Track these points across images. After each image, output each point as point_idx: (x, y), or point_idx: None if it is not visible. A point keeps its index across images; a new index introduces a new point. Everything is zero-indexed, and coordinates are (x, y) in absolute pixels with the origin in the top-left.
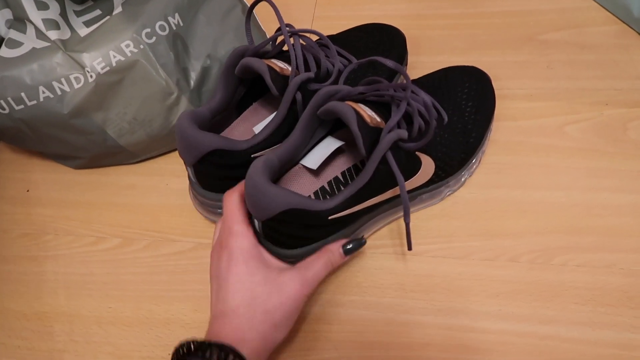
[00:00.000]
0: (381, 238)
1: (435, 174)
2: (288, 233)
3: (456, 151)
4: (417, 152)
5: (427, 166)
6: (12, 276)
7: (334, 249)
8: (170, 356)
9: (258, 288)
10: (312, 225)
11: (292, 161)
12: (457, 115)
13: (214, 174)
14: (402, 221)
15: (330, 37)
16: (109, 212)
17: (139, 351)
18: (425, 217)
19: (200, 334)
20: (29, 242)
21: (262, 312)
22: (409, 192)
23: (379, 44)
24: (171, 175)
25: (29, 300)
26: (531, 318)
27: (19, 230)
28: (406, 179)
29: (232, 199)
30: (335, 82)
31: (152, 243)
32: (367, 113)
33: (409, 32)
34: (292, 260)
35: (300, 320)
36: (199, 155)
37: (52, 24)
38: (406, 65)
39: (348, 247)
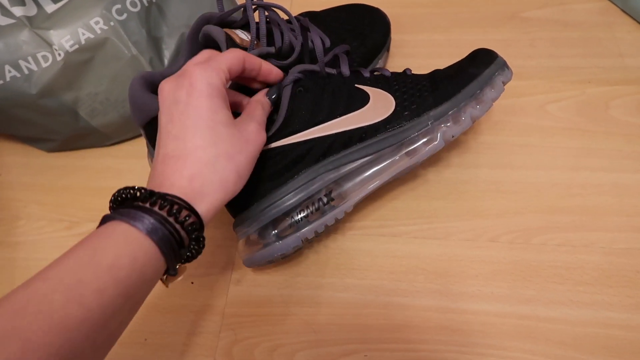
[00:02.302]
0: (361, 219)
1: (394, 114)
2: None
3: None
4: (369, 87)
5: (381, 103)
6: None
7: (261, 98)
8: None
9: (221, 128)
10: None
11: None
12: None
13: None
14: (384, 201)
15: (310, 13)
16: (84, 197)
17: None
18: (406, 198)
19: (177, 317)
20: (0, 227)
21: (225, 156)
22: (353, 131)
23: (357, 25)
24: (146, 156)
25: (1, 286)
26: (510, 298)
27: None
28: (340, 113)
29: (230, 52)
30: (299, 60)
31: None
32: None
33: (391, 11)
34: None
35: (278, 303)
36: (146, 118)
37: (17, 0)
38: (389, 46)
39: (272, 94)
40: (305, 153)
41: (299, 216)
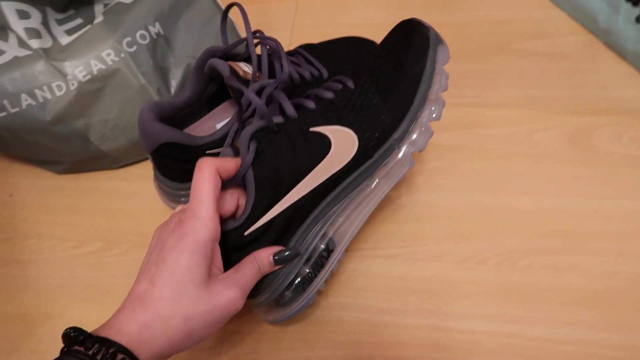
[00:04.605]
0: (356, 242)
1: (360, 150)
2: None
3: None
4: (323, 127)
5: (343, 141)
6: None
7: (263, 257)
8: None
9: (190, 287)
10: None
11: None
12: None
13: (170, 165)
14: (376, 225)
15: (309, 46)
16: (92, 217)
17: None
18: (399, 222)
19: None
20: (11, 246)
21: (183, 317)
22: (328, 180)
23: (355, 56)
24: (153, 180)
25: (11, 302)
26: (498, 318)
27: (1, 234)
28: (308, 167)
29: (205, 175)
30: (297, 90)
31: (133, 247)
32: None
33: None
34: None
35: None
36: (153, 145)
37: (34, 33)
38: None
39: (280, 256)
40: (291, 217)
41: (307, 272)
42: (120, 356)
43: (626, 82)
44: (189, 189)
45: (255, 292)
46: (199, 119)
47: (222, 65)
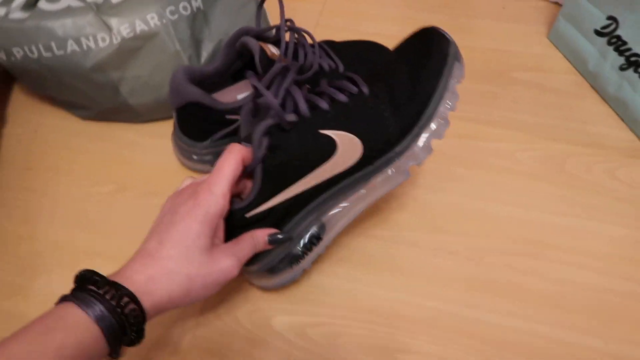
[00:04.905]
0: None
1: (363, 158)
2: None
3: (388, 126)
4: (333, 131)
5: (348, 147)
6: (11, 202)
7: (259, 237)
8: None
9: (196, 252)
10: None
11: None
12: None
13: (192, 122)
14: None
15: (329, 42)
16: (109, 162)
17: None
18: (386, 208)
19: None
20: (32, 175)
21: (186, 275)
22: (329, 180)
23: (368, 58)
24: (171, 136)
25: (25, 224)
26: (459, 301)
27: (23, 163)
28: (313, 166)
29: (231, 159)
30: (312, 78)
31: (144, 194)
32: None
33: None
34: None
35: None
36: (182, 101)
37: None
38: None
39: (274, 237)
40: (291, 207)
41: (298, 252)
42: (125, 299)
43: (604, 121)
44: (203, 148)
45: (249, 262)
46: (222, 89)
47: (253, 44)
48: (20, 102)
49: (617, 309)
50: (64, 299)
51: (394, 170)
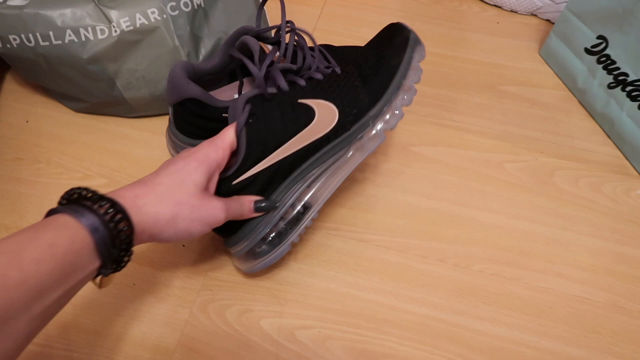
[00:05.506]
0: (337, 222)
1: (339, 122)
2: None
3: (360, 94)
4: (310, 99)
5: (325, 113)
6: (1, 193)
7: (245, 202)
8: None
9: (190, 184)
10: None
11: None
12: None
13: (188, 119)
14: (356, 211)
15: (327, 45)
16: (100, 155)
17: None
18: (377, 213)
19: (165, 272)
20: (21, 166)
21: (175, 201)
22: (309, 145)
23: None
24: (164, 134)
25: (11, 215)
26: (446, 308)
27: (13, 154)
28: (293, 132)
29: (232, 128)
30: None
31: None
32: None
33: None
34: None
35: (253, 276)
36: (179, 97)
37: None
38: None
39: (259, 204)
40: (275, 173)
41: (284, 226)
42: (119, 215)
43: (590, 136)
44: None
45: (235, 240)
46: (219, 87)
47: (253, 43)
48: (12, 92)
49: (597, 320)
50: (51, 212)
51: (370, 135)
